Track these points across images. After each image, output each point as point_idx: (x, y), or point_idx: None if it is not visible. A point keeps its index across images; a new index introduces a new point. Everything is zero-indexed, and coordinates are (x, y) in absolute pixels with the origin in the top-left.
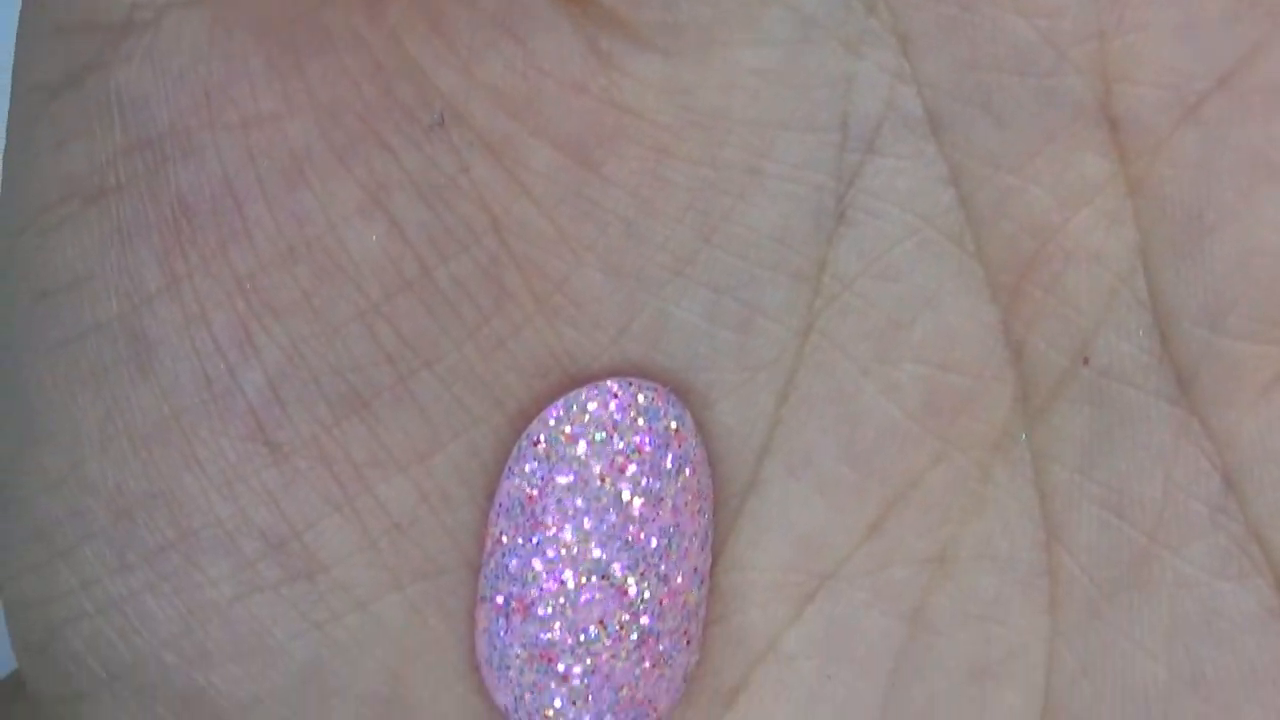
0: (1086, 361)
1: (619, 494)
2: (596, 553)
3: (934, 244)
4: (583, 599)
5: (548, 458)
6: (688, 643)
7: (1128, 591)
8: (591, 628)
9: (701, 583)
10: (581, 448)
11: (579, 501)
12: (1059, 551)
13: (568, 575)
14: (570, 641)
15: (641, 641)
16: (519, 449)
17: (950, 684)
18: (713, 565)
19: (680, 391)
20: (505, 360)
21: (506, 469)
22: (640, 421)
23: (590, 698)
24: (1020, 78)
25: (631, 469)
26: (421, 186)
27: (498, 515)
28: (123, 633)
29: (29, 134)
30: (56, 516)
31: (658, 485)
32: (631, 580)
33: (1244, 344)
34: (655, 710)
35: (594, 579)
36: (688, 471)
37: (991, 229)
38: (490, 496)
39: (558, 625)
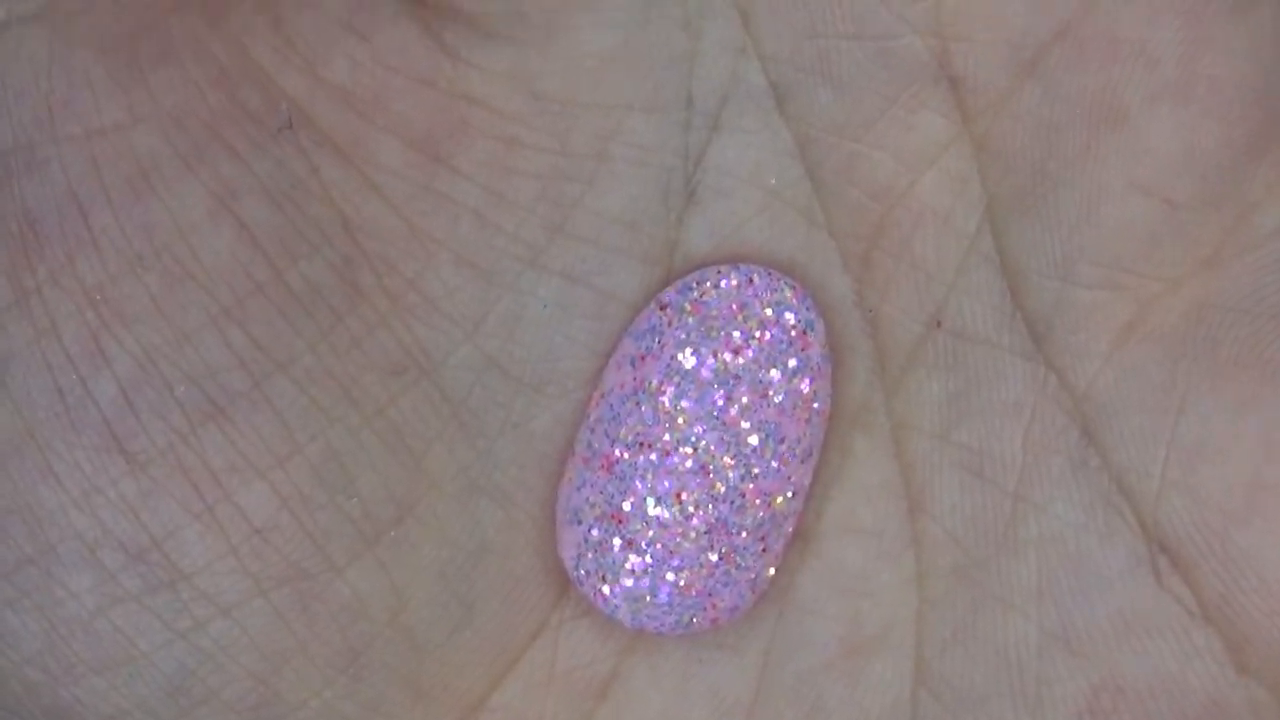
0: (939, 325)
1: (729, 375)
2: (695, 426)
3: (783, 218)
4: (666, 467)
5: (669, 323)
6: (764, 550)
7: (994, 553)
8: (669, 500)
9: (794, 494)
10: (704, 320)
11: (688, 372)
12: (923, 519)
13: (657, 440)
14: (643, 509)
15: (714, 529)
16: (649, 308)
17: (822, 660)
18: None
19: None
20: (360, 360)
21: (630, 329)
22: (769, 312)
23: (651, 571)
24: (858, 41)
25: (748, 355)
26: (271, 190)
27: (608, 370)
28: None
29: None
30: None
31: (769, 377)
32: (723, 461)
33: (1095, 292)
34: (714, 608)
35: (683, 449)
36: (805, 381)
37: (838, 198)
38: (351, 496)
39: (636, 488)
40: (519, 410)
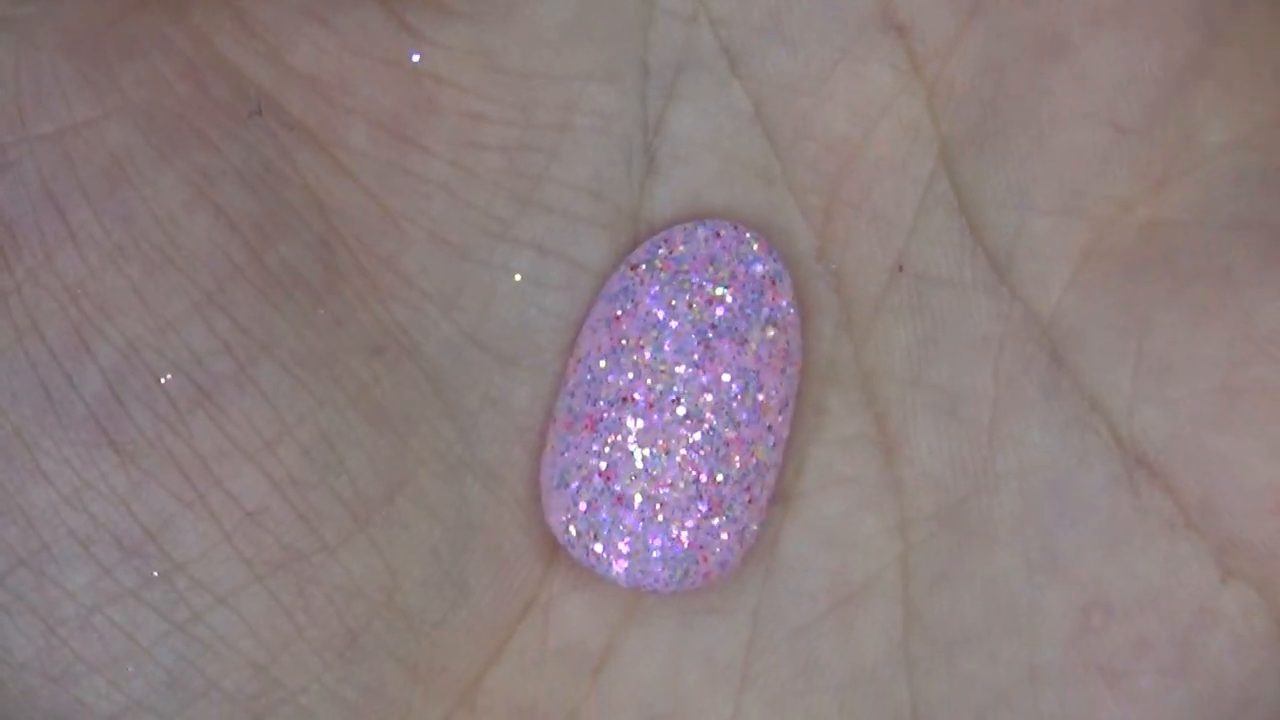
0: (901, 269)
1: (705, 325)
2: (675, 377)
3: (742, 179)
4: (650, 420)
5: (642, 281)
6: (750, 501)
7: (975, 490)
8: (656, 452)
9: (774, 445)
10: (675, 275)
11: (665, 326)
12: (901, 465)
13: (639, 394)
14: (630, 464)
15: (701, 478)
16: (619, 270)
17: (812, 615)
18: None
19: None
20: (343, 340)
21: (602, 292)
22: (738, 264)
23: (643, 525)
24: None
25: (721, 306)
26: (245, 175)
27: (583, 335)
28: None
29: None
30: None
31: (743, 326)
32: (705, 411)
33: (1052, 219)
34: (705, 561)
35: (666, 401)
36: (778, 331)
37: (796, 154)
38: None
39: (622, 443)
40: (497, 385)
